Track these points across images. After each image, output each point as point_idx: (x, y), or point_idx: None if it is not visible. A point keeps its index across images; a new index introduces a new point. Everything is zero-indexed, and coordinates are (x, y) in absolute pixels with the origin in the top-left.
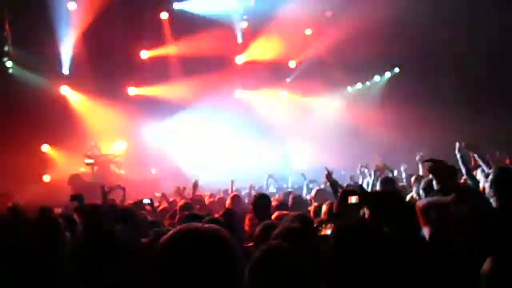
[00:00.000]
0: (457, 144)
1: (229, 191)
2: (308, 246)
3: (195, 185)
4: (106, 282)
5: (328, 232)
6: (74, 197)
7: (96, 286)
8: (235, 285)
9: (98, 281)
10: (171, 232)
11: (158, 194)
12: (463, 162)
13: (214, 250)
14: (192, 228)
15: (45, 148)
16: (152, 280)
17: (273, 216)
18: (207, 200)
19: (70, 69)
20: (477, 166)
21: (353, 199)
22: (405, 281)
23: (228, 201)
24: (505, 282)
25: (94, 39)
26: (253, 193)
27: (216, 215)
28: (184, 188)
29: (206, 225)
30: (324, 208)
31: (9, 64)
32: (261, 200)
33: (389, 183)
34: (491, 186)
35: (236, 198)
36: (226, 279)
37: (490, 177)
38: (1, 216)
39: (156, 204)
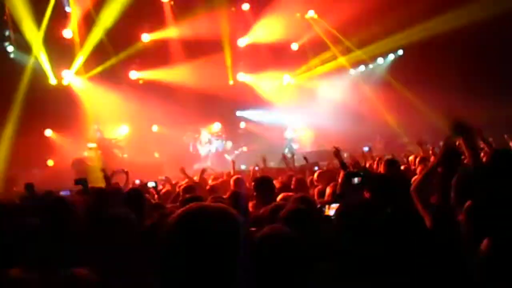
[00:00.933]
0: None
1: (231, 173)
2: (312, 227)
3: (203, 171)
4: (112, 263)
5: (332, 212)
6: (78, 181)
7: (103, 267)
8: (239, 264)
9: (104, 262)
10: (179, 211)
11: (161, 178)
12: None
13: (223, 228)
14: (201, 206)
15: (48, 132)
16: (158, 261)
17: (278, 198)
18: (210, 183)
19: (72, 54)
20: (480, 149)
21: (355, 180)
22: (405, 257)
23: (231, 184)
24: (503, 263)
25: (95, 22)
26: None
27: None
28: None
29: (214, 204)
30: (328, 190)
31: (10, 48)
32: (265, 183)
33: (393, 165)
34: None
35: (239, 181)
36: (233, 257)
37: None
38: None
39: (159, 188)
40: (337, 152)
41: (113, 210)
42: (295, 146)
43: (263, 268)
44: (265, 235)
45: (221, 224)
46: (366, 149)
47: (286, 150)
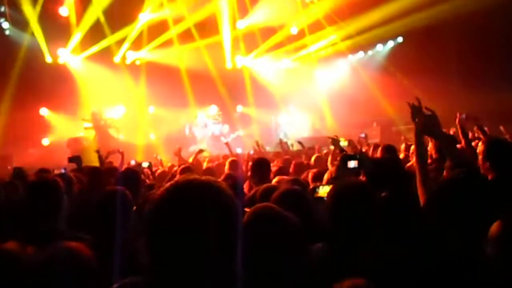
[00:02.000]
0: (458, 115)
1: (229, 154)
2: (304, 209)
3: (200, 152)
4: (107, 240)
5: (323, 194)
6: (71, 159)
7: (97, 243)
8: (232, 239)
9: (98, 238)
10: (167, 184)
11: (159, 157)
12: (462, 132)
13: (211, 199)
14: (189, 180)
15: (44, 111)
16: (146, 235)
17: (274, 181)
18: (205, 166)
19: (68, 32)
20: (476, 138)
21: (352, 164)
22: (399, 240)
23: (226, 166)
24: None
25: (92, 2)
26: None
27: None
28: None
29: (204, 177)
30: (326, 176)
31: (5, 25)
32: (260, 165)
33: (390, 151)
34: (485, 158)
35: (234, 163)
36: (224, 232)
37: (481, 147)
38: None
39: (154, 169)
40: (336, 142)
41: (107, 188)
42: (291, 131)
43: (253, 246)
44: (255, 212)
45: (209, 196)
46: (362, 135)
47: (282, 135)
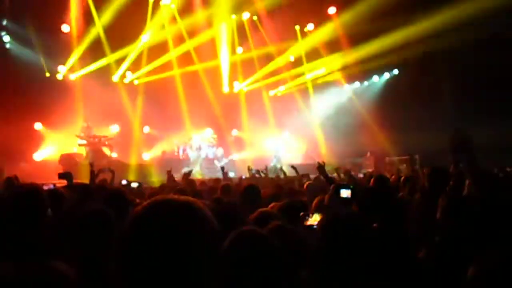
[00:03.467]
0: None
1: (221, 179)
2: (292, 234)
3: (187, 174)
4: (88, 258)
5: (314, 222)
6: (62, 175)
7: (78, 262)
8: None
9: (81, 256)
10: (144, 203)
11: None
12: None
13: (186, 221)
14: (166, 199)
15: (38, 126)
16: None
17: (269, 207)
18: (197, 188)
19: (68, 49)
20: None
21: (344, 193)
22: (388, 275)
23: (218, 190)
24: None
25: (94, 20)
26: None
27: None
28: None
29: (181, 197)
30: (314, 201)
31: (6, 38)
32: (251, 191)
33: (382, 181)
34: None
35: (226, 187)
36: (200, 253)
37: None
38: None
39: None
40: (321, 168)
41: (91, 206)
42: (285, 157)
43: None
44: (238, 236)
45: (185, 216)
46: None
47: (275, 161)
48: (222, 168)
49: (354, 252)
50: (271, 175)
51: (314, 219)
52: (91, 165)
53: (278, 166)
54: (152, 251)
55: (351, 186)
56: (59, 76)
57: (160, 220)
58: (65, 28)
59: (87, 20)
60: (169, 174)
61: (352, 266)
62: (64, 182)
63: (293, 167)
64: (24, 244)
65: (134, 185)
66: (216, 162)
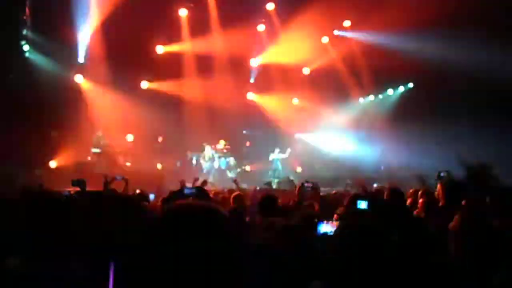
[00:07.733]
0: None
1: (235, 189)
2: (304, 244)
3: (204, 183)
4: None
5: (329, 230)
6: (75, 182)
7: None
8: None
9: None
10: (164, 207)
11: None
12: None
13: (207, 222)
14: (186, 203)
15: (54, 134)
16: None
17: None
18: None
19: (85, 58)
20: None
21: (362, 204)
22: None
23: (231, 200)
24: None
25: (111, 30)
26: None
27: None
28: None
29: (201, 202)
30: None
31: (26, 47)
32: (268, 201)
33: (397, 195)
34: None
35: (238, 197)
36: (220, 256)
37: None
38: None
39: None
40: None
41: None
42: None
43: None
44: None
45: (205, 219)
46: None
47: (270, 172)
48: (235, 180)
49: (372, 263)
50: (283, 187)
51: (327, 228)
52: (106, 176)
53: (291, 178)
54: (173, 251)
55: (369, 198)
56: (76, 85)
57: (182, 221)
58: (84, 38)
59: (105, 30)
60: (182, 184)
61: (368, 277)
62: (76, 189)
63: (308, 181)
64: None
65: (152, 196)
66: (228, 172)
